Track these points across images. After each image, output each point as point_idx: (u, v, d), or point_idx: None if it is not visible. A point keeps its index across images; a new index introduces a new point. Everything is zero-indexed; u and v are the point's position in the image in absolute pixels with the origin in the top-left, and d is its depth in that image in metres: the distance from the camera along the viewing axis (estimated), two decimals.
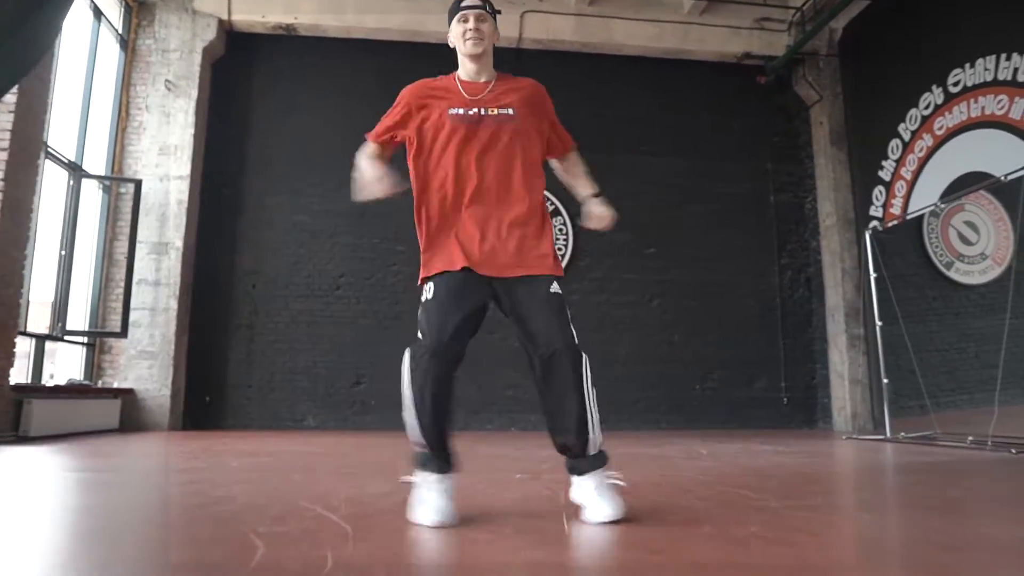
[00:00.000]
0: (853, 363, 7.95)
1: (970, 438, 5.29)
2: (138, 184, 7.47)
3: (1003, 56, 6.31)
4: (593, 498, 2.17)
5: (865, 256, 6.90)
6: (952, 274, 7.62)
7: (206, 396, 7.59)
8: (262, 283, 7.89)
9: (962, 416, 6.68)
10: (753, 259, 8.60)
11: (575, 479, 2.27)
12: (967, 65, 6.75)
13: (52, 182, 6.76)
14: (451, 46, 2.49)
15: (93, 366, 7.42)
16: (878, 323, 6.63)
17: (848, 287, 8.12)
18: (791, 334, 8.50)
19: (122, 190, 7.66)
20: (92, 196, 7.53)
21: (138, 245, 7.41)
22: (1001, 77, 6.34)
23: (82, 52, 7.33)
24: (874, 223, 7.80)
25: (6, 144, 5.30)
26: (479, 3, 2.42)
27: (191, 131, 7.70)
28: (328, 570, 1.54)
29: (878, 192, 7.94)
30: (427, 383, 2.15)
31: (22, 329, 5.91)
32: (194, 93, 7.78)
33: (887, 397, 6.50)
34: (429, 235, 2.35)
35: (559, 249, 8.26)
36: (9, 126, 5.34)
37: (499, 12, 2.54)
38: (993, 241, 7.55)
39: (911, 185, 7.45)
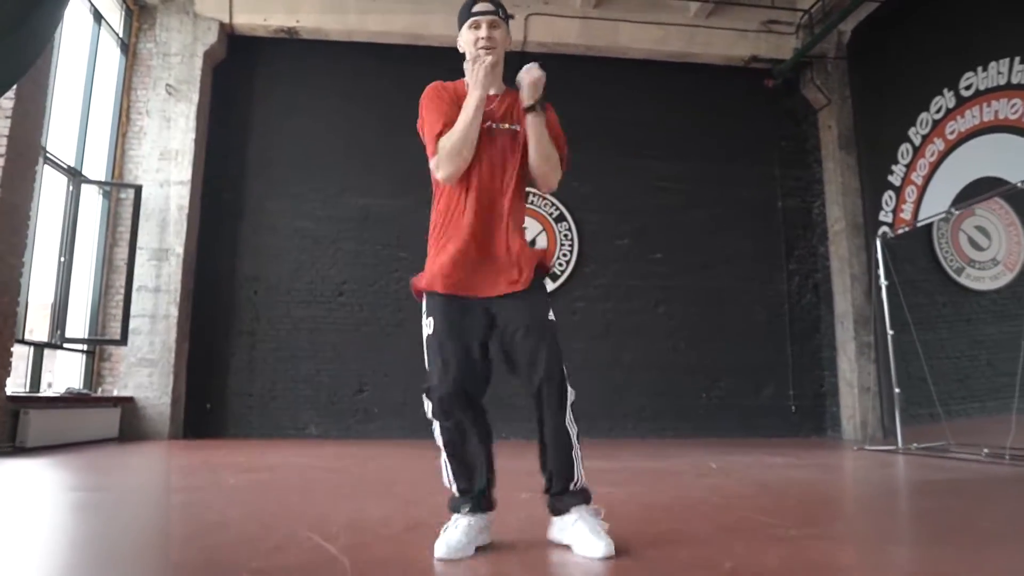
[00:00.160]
0: (863, 371, 7.82)
1: (985, 450, 5.16)
2: (138, 190, 7.38)
3: (1017, 59, 6.19)
4: (582, 535, 2.06)
5: (876, 263, 6.77)
6: (963, 280, 7.52)
7: (207, 404, 7.49)
8: (263, 289, 7.79)
9: (973, 425, 6.56)
10: (760, 265, 8.48)
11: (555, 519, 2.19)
12: (979, 68, 6.63)
13: (51, 188, 6.68)
14: (461, 51, 2.37)
15: (92, 373, 7.33)
16: (889, 332, 6.50)
17: (857, 293, 8.00)
18: (799, 341, 8.38)
19: (122, 195, 7.57)
20: (92, 202, 7.44)
21: (138, 251, 7.32)
22: (1015, 80, 6.22)
23: (82, 56, 7.24)
24: (884, 229, 7.69)
25: (3, 150, 5.21)
26: (491, 8, 2.30)
27: (192, 136, 7.60)
28: None
29: (888, 197, 7.82)
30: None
31: (20, 337, 5.82)
32: (195, 97, 7.69)
33: (899, 407, 6.37)
34: (437, 253, 2.24)
35: (564, 255, 8.16)
36: (6, 131, 5.24)
37: (512, 16, 2.42)
38: (1004, 246, 7.44)
39: (922, 190, 7.33)
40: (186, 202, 7.47)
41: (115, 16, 7.74)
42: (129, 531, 2.52)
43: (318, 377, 7.64)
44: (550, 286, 8.02)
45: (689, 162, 8.56)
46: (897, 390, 6.42)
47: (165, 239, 7.38)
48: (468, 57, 2.33)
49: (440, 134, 2.19)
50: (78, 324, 7.20)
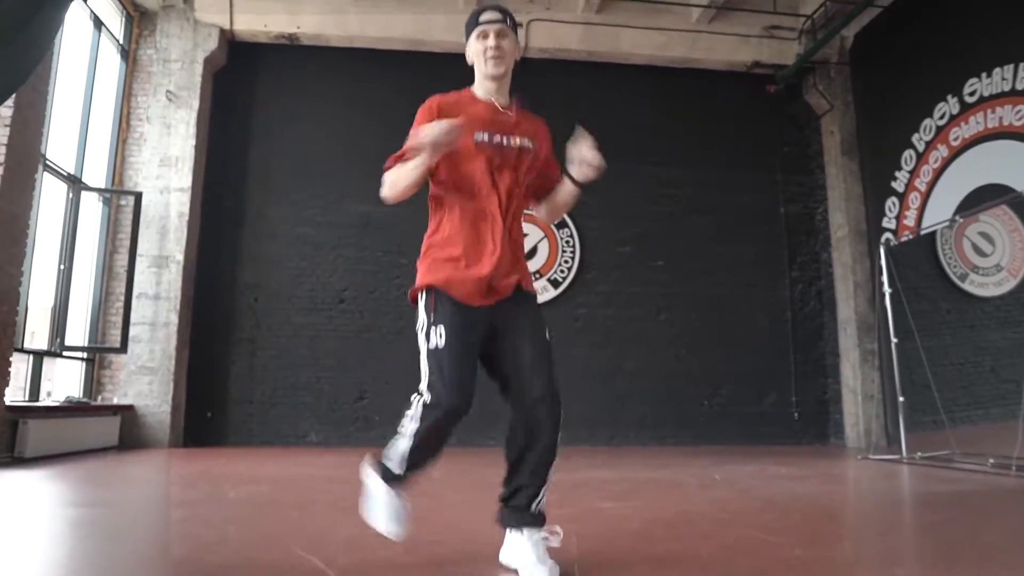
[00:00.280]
0: (866, 378, 7.78)
1: (991, 460, 5.12)
2: (138, 197, 7.35)
3: (1021, 66, 6.16)
4: (529, 561, 2.03)
5: (879, 271, 6.73)
6: (967, 286, 7.46)
7: (207, 412, 7.46)
8: (264, 297, 7.76)
9: (977, 432, 6.52)
10: (763, 271, 8.44)
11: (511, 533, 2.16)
12: (983, 75, 6.60)
13: (51, 195, 6.66)
14: (469, 62, 2.33)
15: (92, 381, 7.30)
16: (893, 340, 6.46)
17: (860, 300, 7.96)
18: (802, 348, 8.34)
19: (122, 202, 7.55)
20: (92, 209, 7.41)
21: (138, 258, 7.30)
22: (1020, 87, 6.18)
23: (82, 62, 7.22)
24: (887, 235, 7.65)
25: (2, 159, 5.18)
26: (499, 17, 2.26)
27: (192, 142, 7.58)
28: None
29: (891, 204, 7.78)
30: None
31: (19, 346, 5.79)
32: (195, 104, 7.67)
33: (903, 416, 6.33)
34: (443, 266, 2.16)
35: (565, 262, 8.12)
36: (5, 140, 5.21)
37: (520, 25, 2.38)
38: (1008, 252, 7.39)
39: (925, 197, 7.29)
40: (186, 209, 7.44)
41: (115, 22, 7.72)
42: (126, 551, 2.49)
43: (318, 385, 7.61)
44: (551, 293, 8.01)
45: (691, 168, 8.53)
46: (901, 399, 6.37)
47: (165, 246, 7.35)
48: (477, 69, 2.30)
49: (398, 158, 2.15)
50: (78, 332, 7.17)
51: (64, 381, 7.34)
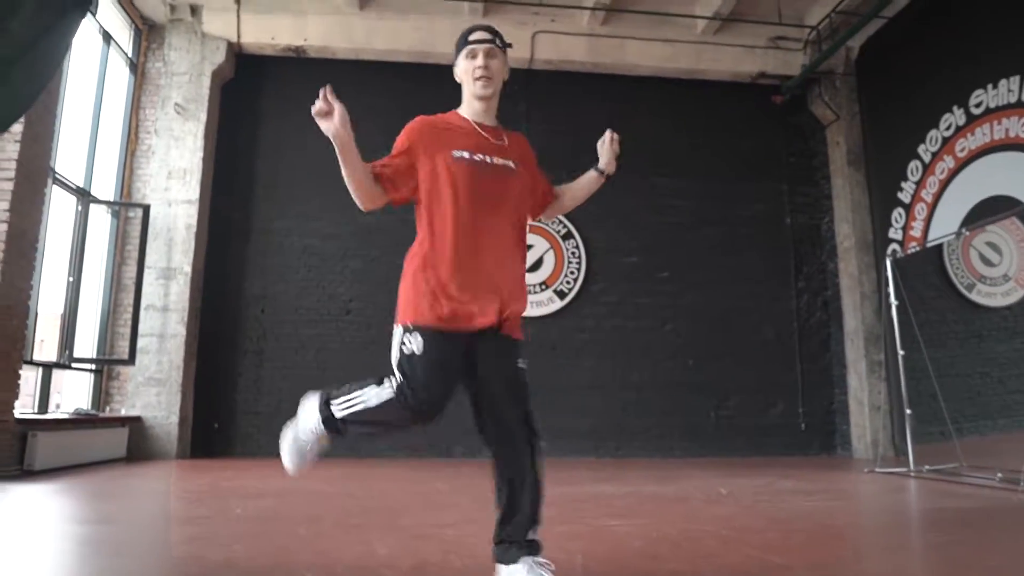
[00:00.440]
0: (873, 389, 7.76)
1: (999, 475, 5.10)
2: (146, 209, 7.40)
3: None
4: None
5: (885, 282, 6.72)
6: (974, 296, 7.44)
7: (214, 423, 7.49)
8: (271, 308, 7.80)
9: (985, 443, 6.49)
10: (769, 282, 8.44)
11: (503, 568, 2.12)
12: (989, 86, 6.59)
13: (60, 208, 6.71)
14: (457, 80, 2.35)
15: (100, 392, 7.34)
16: (900, 352, 6.44)
17: (867, 311, 7.95)
18: (808, 359, 8.32)
19: (130, 215, 7.60)
20: (100, 221, 7.47)
21: (146, 270, 7.35)
22: None
23: (91, 76, 7.28)
24: (894, 246, 7.64)
25: (11, 174, 5.24)
26: (488, 36, 2.28)
27: (200, 155, 7.63)
28: None
29: (897, 214, 7.77)
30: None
31: (28, 358, 5.83)
32: (203, 116, 7.72)
33: (910, 428, 6.31)
34: (426, 284, 2.17)
35: (572, 273, 8.13)
36: (15, 155, 5.27)
37: (510, 45, 2.38)
38: (1016, 263, 7.37)
39: (932, 208, 7.28)
40: (194, 221, 7.49)
41: (124, 35, 7.78)
42: (132, 572, 2.50)
43: None
44: (558, 304, 8.02)
45: (697, 178, 8.54)
46: (908, 411, 6.35)
47: (173, 258, 7.40)
48: (465, 89, 2.32)
49: (374, 170, 2.22)
50: (86, 343, 7.21)
51: (73, 392, 7.38)
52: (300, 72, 8.30)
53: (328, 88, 2.10)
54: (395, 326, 2.20)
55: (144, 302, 7.28)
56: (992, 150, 6.57)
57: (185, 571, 2.47)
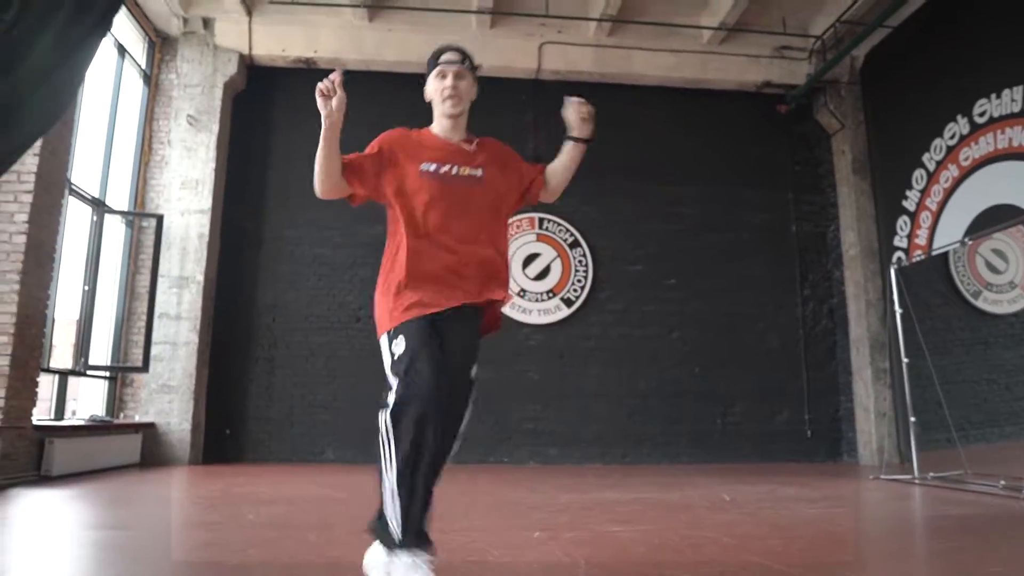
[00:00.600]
0: (879, 396, 7.81)
1: (1002, 482, 5.14)
2: (160, 219, 7.53)
3: None
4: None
5: (890, 290, 6.77)
6: (980, 303, 7.47)
7: (226, 429, 7.60)
8: (282, 316, 7.91)
9: (992, 451, 6.52)
10: (775, 290, 8.50)
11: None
12: (993, 95, 6.64)
13: (76, 218, 6.84)
14: (427, 100, 2.47)
15: (115, 399, 7.46)
16: (904, 360, 6.49)
17: (873, 319, 8.00)
18: (814, 366, 8.37)
19: (144, 224, 7.73)
20: (115, 231, 7.60)
21: (160, 279, 7.47)
22: None
23: (106, 88, 7.42)
24: (899, 254, 7.69)
25: (31, 187, 5.36)
26: (458, 58, 2.39)
27: (212, 165, 7.76)
28: None
29: (902, 222, 7.82)
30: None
31: (45, 366, 5.95)
32: (215, 127, 7.85)
33: (915, 437, 6.34)
34: (398, 288, 2.26)
35: (579, 281, 8.21)
36: (34, 168, 5.40)
37: (479, 67, 2.50)
38: (1022, 270, 7.40)
39: (936, 216, 7.33)
40: (206, 230, 7.61)
41: (138, 48, 7.93)
42: None
43: (335, 403, 7.73)
44: (564, 312, 8.09)
45: (703, 187, 8.61)
46: (912, 419, 6.39)
47: (186, 267, 7.52)
48: (434, 105, 2.43)
49: (345, 160, 2.34)
50: (101, 351, 7.34)
51: (87, 398, 7.50)
52: (311, 83, 8.21)
53: (339, 73, 2.26)
54: (380, 337, 2.29)
55: (157, 310, 7.40)
56: (996, 159, 6.62)
57: (201, 574, 2.56)
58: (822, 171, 8.86)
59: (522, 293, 8.09)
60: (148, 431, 7.08)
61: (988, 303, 7.41)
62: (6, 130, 2.67)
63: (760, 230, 8.60)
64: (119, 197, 7.65)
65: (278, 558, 2.82)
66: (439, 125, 2.45)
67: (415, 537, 2.09)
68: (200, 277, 7.52)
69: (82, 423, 6.38)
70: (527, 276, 8.14)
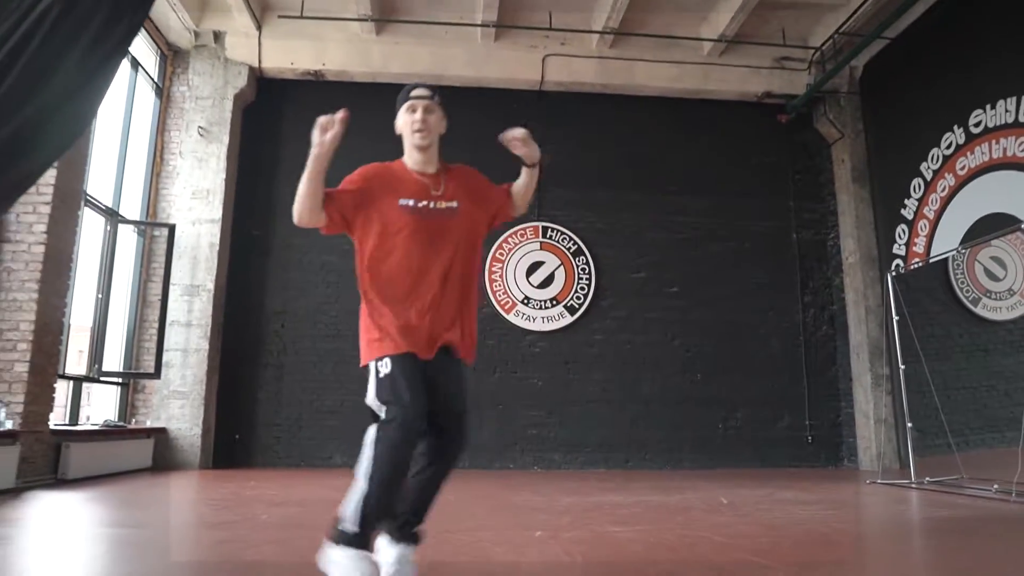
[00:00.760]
0: (878, 402, 7.91)
1: (995, 486, 5.25)
2: (171, 228, 7.70)
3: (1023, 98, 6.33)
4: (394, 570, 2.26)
5: (888, 298, 6.88)
6: (979, 310, 7.56)
7: (236, 434, 7.75)
8: (290, 323, 8.07)
9: (991, 456, 6.60)
10: (776, 297, 8.62)
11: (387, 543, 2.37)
12: (988, 106, 6.77)
13: (90, 228, 7.02)
14: (398, 134, 2.57)
15: (127, 405, 7.62)
16: (901, 366, 6.60)
17: (872, 325, 8.10)
18: (815, 372, 8.48)
19: (156, 234, 7.91)
20: (128, 240, 7.77)
21: (171, 287, 7.64)
22: (1023, 119, 6.35)
23: (120, 101, 7.61)
24: (897, 262, 7.80)
25: (49, 198, 5.53)
26: (427, 94, 2.51)
27: (223, 175, 7.93)
28: None
29: (901, 230, 7.94)
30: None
31: (61, 372, 6.11)
32: (226, 139, 8.03)
33: (911, 441, 6.45)
34: (377, 323, 2.44)
35: (582, 288, 8.35)
36: (52, 181, 5.57)
37: (441, 104, 2.56)
38: (1021, 277, 7.49)
39: (934, 225, 7.45)
40: (217, 239, 7.78)
41: (150, 61, 8.11)
42: (174, 571, 2.74)
43: (343, 408, 7.87)
44: (568, 319, 8.22)
45: (704, 196, 8.74)
46: (909, 424, 6.49)
47: (197, 275, 7.69)
48: (404, 139, 2.53)
49: (326, 191, 2.43)
50: (114, 358, 7.51)
51: (100, 404, 7.67)
52: (319, 95, 8.59)
53: (345, 112, 2.39)
54: (367, 366, 2.44)
55: (169, 318, 7.56)
56: (991, 169, 6.74)
57: (222, 570, 2.70)
58: (822, 180, 8.99)
59: (526, 301, 8.22)
60: (160, 436, 7.24)
61: (987, 310, 7.50)
62: (31, 151, 2.82)
63: (761, 238, 8.73)
64: (132, 207, 7.83)
65: (291, 556, 2.95)
66: (411, 158, 2.54)
67: (367, 538, 2.24)
68: (211, 285, 7.68)
69: (97, 428, 6.54)
70: (531, 284, 8.28)
